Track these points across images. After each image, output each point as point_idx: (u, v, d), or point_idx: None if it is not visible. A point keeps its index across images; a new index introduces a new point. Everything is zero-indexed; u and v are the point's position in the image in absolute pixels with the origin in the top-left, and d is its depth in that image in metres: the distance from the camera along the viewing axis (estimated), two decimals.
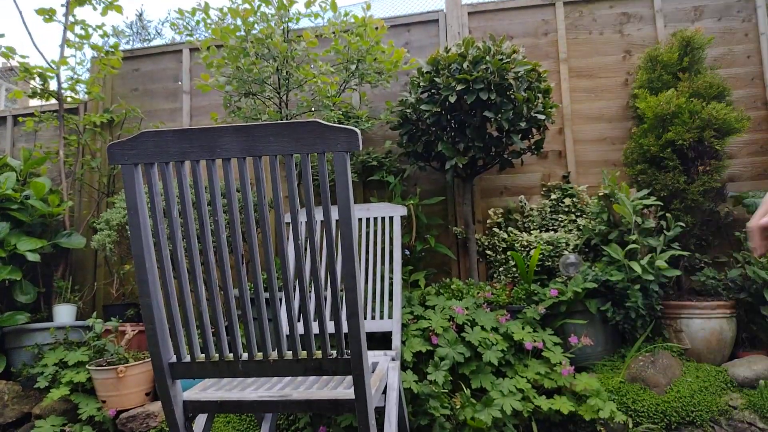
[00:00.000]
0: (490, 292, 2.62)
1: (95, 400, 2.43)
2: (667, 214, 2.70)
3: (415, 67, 3.04)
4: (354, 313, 1.07)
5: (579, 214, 3.13)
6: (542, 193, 3.35)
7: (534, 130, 2.98)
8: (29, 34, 3.43)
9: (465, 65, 2.74)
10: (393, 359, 1.80)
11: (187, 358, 1.16)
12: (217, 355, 1.15)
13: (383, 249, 2.70)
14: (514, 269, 3.04)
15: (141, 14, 14.21)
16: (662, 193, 2.80)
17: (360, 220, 2.37)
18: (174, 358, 1.16)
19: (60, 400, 2.47)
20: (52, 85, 3.55)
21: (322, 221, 2.26)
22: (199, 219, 1.07)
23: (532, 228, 3.17)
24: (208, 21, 2.91)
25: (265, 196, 1.06)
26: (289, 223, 2.44)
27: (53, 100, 3.50)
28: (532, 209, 3.26)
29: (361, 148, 1.01)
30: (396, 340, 1.97)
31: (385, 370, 1.61)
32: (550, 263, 2.91)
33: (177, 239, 1.08)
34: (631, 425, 2.10)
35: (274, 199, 1.05)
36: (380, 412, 1.77)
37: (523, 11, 3.53)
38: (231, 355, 1.16)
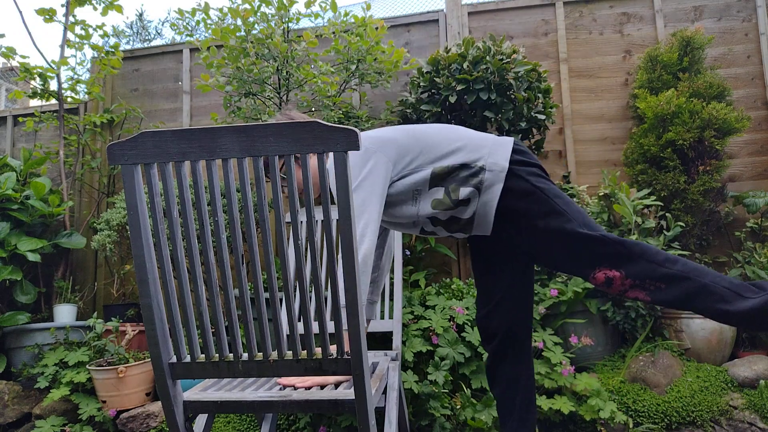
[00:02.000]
0: None
1: (95, 401, 2.43)
2: (667, 214, 2.70)
3: (415, 67, 3.04)
4: (354, 313, 1.07)
5: None
6: None
7: (534, 130, 2.98)
8: (29, 34, 3.43)
9: (465, 65, 2.74)
10: (393, 359, 1.80)
11: (188, 359, 1.16)
12: (217, 355, 1.15)
13: None
14: None
15: (141, 14, 14.21)
16: (662, 193, 2.80)
17: None
18: (174, 359, 1.16)
19: (60, 400, 2.47)
20: (53, 86, 3.55)
21: (322, 221, 2.26)
22: (199, 219, 1.07)
23: None
24: (208, 21, 2.91)
25: (265, 196, 1.06)
26: (289, 223, 2.44)
27: (53, 100, 3.50)
28: None
29: (361, 149, 1.01)
30: (396, 340, 1.97)
31: (385, 370, 1.61)
32: None
33: (177, 239, 1.08)
34: (631, 425, 2.10)
35: (274, 199, 1.04)
36: (380, 412, 1.77)
37: (523, 11, 3.53)
38: (231, 355, 1.16)
